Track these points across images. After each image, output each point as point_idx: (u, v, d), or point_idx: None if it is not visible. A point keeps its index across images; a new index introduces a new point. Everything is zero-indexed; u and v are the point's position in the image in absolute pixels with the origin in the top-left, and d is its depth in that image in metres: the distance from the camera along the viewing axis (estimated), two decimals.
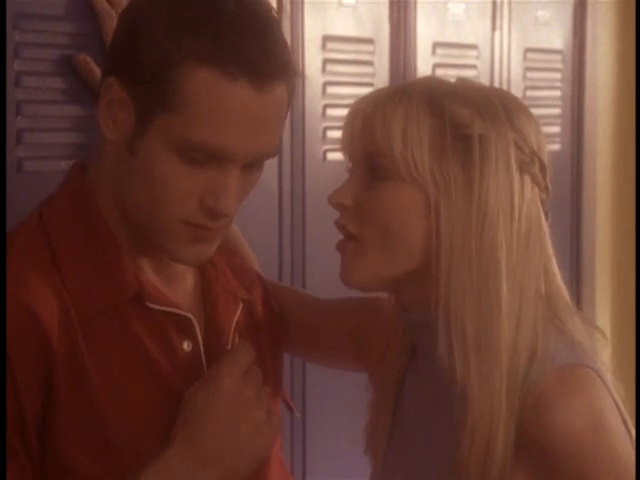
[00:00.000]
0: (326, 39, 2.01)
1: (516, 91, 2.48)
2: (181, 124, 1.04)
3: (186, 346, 1.13)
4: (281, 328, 1.33)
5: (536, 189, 1.14)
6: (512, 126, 1.12)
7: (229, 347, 1.17)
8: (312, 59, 1.96)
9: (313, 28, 1.97)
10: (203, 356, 1.15)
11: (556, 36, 2.65)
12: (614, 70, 2.94)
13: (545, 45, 2.61)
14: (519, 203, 1.12)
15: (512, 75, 2.47)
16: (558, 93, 2.69)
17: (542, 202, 1.16)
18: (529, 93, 2.54)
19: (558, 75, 2.69)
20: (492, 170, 1.11)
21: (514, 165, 1.12)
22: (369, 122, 1.13)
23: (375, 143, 1.13)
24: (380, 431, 1.26)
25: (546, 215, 1.16)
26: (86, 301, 1.08)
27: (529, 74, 2.55)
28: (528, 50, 2.53)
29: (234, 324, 1.20)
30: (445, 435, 1.15)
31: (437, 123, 1.11)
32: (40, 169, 1.38)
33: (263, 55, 1.04)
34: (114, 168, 1.12)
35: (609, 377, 1.13)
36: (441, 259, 1.11)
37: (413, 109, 1.12)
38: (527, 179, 1.13)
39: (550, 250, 1.16)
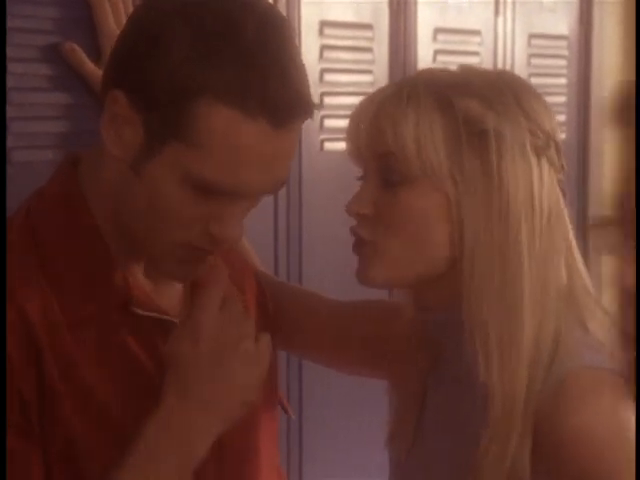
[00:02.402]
0: (323, 24, 1.99)
1: None
2: (192, 158, 1.01)
3: None
4: (275, 327, 1.30)
5: (553, 170, 1.13)
6: (523, 112, 1.12)
7: None
8: (309, 45, 1.95)
9: (310, 13, 1.95)
10: None
11: (561, 21, 2.64)
12: (621, 56, 2.90)
13: (550, 31, 2.60)
14: (539, 189, 1.12)
15: (516, 62, 2.46)
16: (563, 80, 2.67)
17: (559, 181, 1.15)
18: (534, 80, 2.52)
19: (563, 62, 2.67)
20: (509, 161, 1.10)
21: (530, 152, 1.11)
22: (378, 124, 1.12)
23: (386, 145, 1.11)
24: (403, 433, 1.24)
25: (563, 194, 1.15)
26: (73, 306, 1.07)
27: (533, 61, 2.53)
28: (532, 36, 2.52)
29: None
30: (466, 437, 1.14)
31: (449, 120, 1.10)
32: (27, 159, 1.37)
33: (286, 93, 1.01)
34: (114, 178, 1.09)
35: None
36: (464, 257, 1.10)
37: (423, 107, 1.10)
38: (544, 162, 1.13)
39: (571, 235, 1.16)
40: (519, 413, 1.08)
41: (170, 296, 1.15)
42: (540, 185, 1.11)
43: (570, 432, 1.06)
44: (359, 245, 1.14)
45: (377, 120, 1.11)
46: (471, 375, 1.11)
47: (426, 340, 1.21)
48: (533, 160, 1.11)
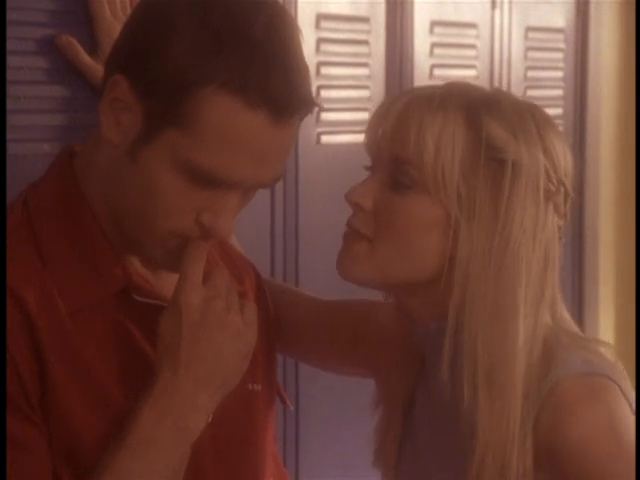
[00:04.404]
0: (320, 17, 1.98)
1: (517, 72, 2.46)
2: (190, 146, 1.02)
3: None
4: (274, 321, 1.30)
5: (556, 217, 1.12)
6: (544, 150, 1.11)
7: None
8: (305, 38, 1.90)
9: (306, 6, 1.94)
10: None
11: (558, 14, 2.63)
12: (618, 50, 2.90)
13: (547, 24, 2.59)
14: (540, 235, 1.11)
15: (513, 55, 2.46)
16: (560, 74, 2.67)
17: (559, 228, 1.14)
18: (530, 74, 2.52)
19: (560, 55, 2.67)
20: (521, 199, 1.09)
21: (541, 193, 1.10)
22: (403, 126, 1.10)
23: (406, 150, 1.10)
24: (390, 442, 1.23)
25: (559, 240, 1.14)
26: (72, 294, 1.07)
27: (530, 54, 2.53)
28: (529, 29, 2.51)
29: None
30: (457, 449, 1.14)
31: (472, 139, 1.09)
32: (22, 152, 1.36)
33: (287, 89, 1.02)
34: (107, 165, 1.09)
35: (627, 385, 1.11)
36: (455, 282, 1.09)
37: (450, 120, 1.09)
38: (550, 207, 1.12)
39: (557, 284, 1.15)
40: (515, 442, 1.07)
41: (169, 283, 1.15)
42: (543, 229, 1.10)
43: (570, 442, 1.06)
44: (351, 238, 1.13)
45: (404, 121, 1.10)
46: (457, 392, 1.10)
47: (413, 348, 1.21)
48: (542, 203, 1.10)
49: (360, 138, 1.18)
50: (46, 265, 1.07)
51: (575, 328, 1.16)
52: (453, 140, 1.08)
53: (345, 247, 1.14)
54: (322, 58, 1.98)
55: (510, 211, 1.08)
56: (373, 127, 1.14)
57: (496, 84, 2.35)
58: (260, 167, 1.04)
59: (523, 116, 1.12)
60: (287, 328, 1.34)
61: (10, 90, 1.34)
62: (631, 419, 1.09)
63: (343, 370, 1.39)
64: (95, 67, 1.36)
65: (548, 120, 1.15)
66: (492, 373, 1.08)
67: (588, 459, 1.06)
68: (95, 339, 1.07)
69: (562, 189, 1.12)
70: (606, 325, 2.91)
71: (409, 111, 1.10)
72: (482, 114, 1.09)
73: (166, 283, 1.15)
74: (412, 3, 2.15)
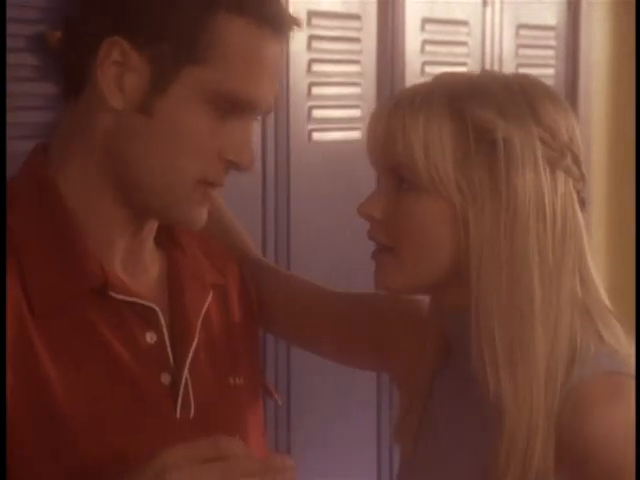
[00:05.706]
0: (311, 15, 1.99)
1: (508, 69, 2.46)
2: (213, 76, 1.05)
3: (149, 338, 1.10)
4: (257, 315, 1.30)
5: (570, 181, 1.12)
6: (537, 121, 1.10)
7: (195, 339, 1.14)
8: (297, 35, 1.92)
9: (298, 3, 1.94)
10: (169, 348, 1.12)
11: (549, 12, 2.64)
12: (609, 47, 2.91)
13: (538, 21, 2.60)
14: (551, 201, 1.10)
15: (504, 52, 2.46)
16: (551, 71, 2.68)
17: (578, 191, 1.14)
18: (521, 71, 2.52)
19: (551, 52, 2.67)
20: (519, 172, 1.09)
21: (542, 163, 1.10)
22: (390, 133, 1.12)
23: (397, 156, 1.11)
24: (408, 427, 1.24)
25: (583, 203, 1.14)
26: (46, 291, 1.06)
27: (521, 51, 2.54)
28: (520, 26, 2.52)
29: (202, 314, 1.17)
30: (477, 438, 1.14)
31: (458, 128, 1.09)
32: (11, 150, 1.35)
33: (277, 6, 1.09)
34: (109, 143, 1.08)
35: None
36: (471, 268, 1.10)
37: (433, 116, 1.10)
38: (559, 174, 1.11)
39: (586, 247, 1.14)
40: (540, 424, 1.07)
41: (146, 281, 1.14)
42: (553, 197, 1.10)
43: (594, 439, 1.05)
44: (378, 255, 1.15)
45: (390, 127, 1.12)
46: (482, 384, 1.10)
47: (437, 337, 1.21)
48: (546, 171, 1.09)
49: (351, 135, 1.18)
50: (19, 261, 1.05)
51: (605, 302, 1.15)
52: (440, 136, 1.09)
53: (376, 265, 1.16)
54: (313, 55, 1.98)
55: (511, 186, 1.09)
56: (368, 140, 1.16)
57: None
58: (272, 85, 1.09)
59: (511, 91, 1.12)
60: (288, 314, 1.33)
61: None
62: None
63: (347, 359, 1.39)
64: None
65: (540, 88, 1.14)
66: (513, 350, 1.08)
67: (605, 458, 1.06)
68: (63, 343, 1.05)
69: (567, 152, 1.11)
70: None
71: (394, 117, 1.11)
72: (465, 101, 1.10)
73: (142, 281, 1.13)
74: (403, 1, 2.16)
